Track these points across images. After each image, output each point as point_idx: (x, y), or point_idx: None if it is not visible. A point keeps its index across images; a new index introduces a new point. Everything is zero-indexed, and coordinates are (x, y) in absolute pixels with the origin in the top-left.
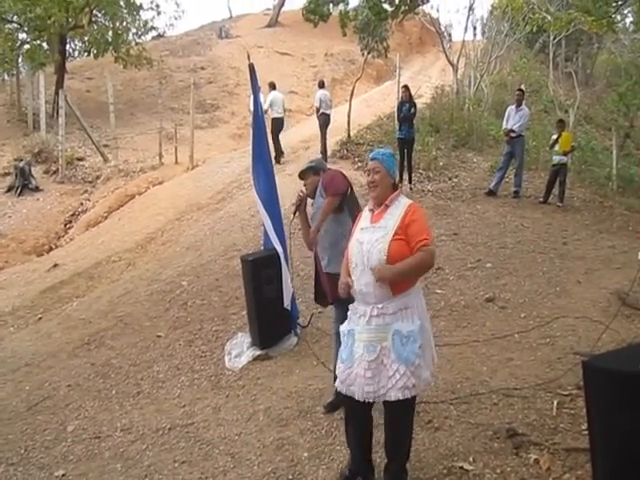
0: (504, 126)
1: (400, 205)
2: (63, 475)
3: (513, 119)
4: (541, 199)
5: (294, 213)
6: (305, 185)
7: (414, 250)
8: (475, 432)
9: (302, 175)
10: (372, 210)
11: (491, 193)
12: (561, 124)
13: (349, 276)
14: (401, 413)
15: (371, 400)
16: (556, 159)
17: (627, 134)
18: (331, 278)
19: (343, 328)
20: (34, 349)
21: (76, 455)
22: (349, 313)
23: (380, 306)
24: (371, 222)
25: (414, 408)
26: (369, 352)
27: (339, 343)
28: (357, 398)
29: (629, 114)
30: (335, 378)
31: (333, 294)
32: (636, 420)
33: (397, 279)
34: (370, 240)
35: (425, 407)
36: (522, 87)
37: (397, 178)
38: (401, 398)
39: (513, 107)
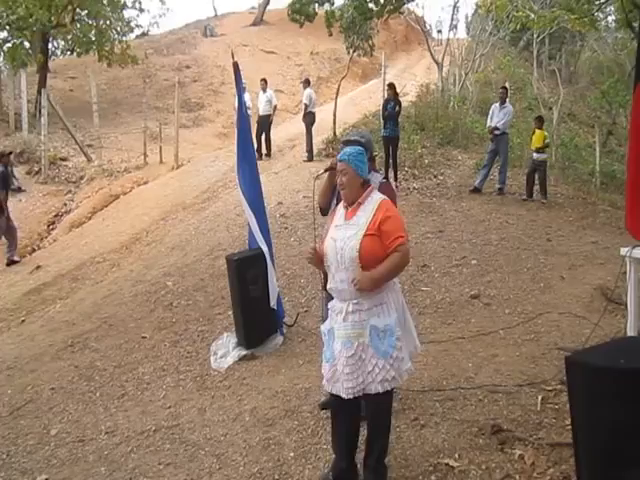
0: (488, 124)
1: (373, 201)
2: (46, 479)
3: (497, 117)
4: (524, 197)
5: (325, 171)
6: None
7: (389, 249)
8: (460, 429)
9: (348, 144)
10: (346, 207)
11: (476, 190)
12: (537, 121)
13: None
14: (380, 406)
15: (352, 396)
16: (534, 156)
17: (610, 131)
18: None
19: (323, 328)
20: (17, 352)
21: (59, 459)
22: (329, 312)
23: (355, 302)
24: (345, 219)
25: (391, 402)
26: (346, 348)
27: None
28: (342, 396)
29: (612, 111)
30: None
31: None
32: (619, 415)
33: (378, 285)
34: (343, 237)
35: (411, 404)
36: (506, 85)
37: (367, 175)
38: (381, 391)
39: (497, 105)
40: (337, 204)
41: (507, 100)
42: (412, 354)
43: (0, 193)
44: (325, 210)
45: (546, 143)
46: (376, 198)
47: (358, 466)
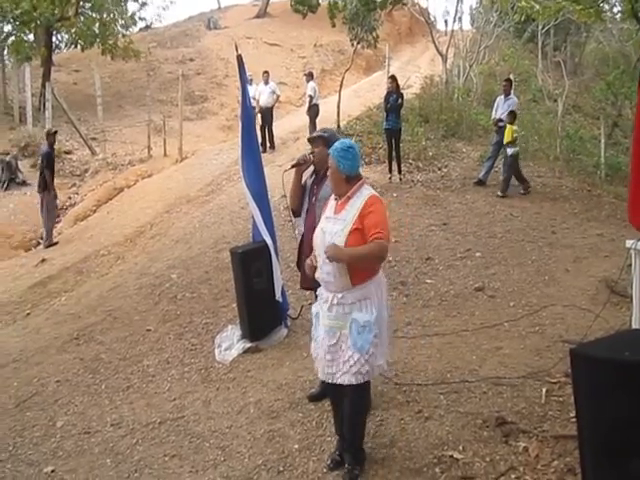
0: (493, 116)
1: (361, 196)
2: (52, 471)
3: (502, 108)
4: (522, 192)
5: (292, 167)
6: (313, 151)
7: (368, 241)
8: (465, 421)
9: (311, 141)
10: (336, 199)
11: (480, 183)
12: (509, 116)
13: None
14: (354, 396)
15: (329, 381)
16: (507, 151)
17: (615, 123)
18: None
19: (313, 309)
20: (22, 345)
21: (65, 451)
22: (318, 297)
23: (340, 295)
24: (334, 212)
25: (368, 393)
26: (329, 336)
27: None
28: (319, 377)
29: (617, 103)
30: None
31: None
32: (623, 407)
33: (345, 260)
34: (331, 231)
35: (415, 397)
36: (510, 77)
37: (353, 171)
38: (354, 383)
39: (502, 97)
40: (310, 202)
41: (512, 92)
42: (384, 353)
43: (45, 172)
44: (297, 212)
45: (514, 137)
46: (365, 193)
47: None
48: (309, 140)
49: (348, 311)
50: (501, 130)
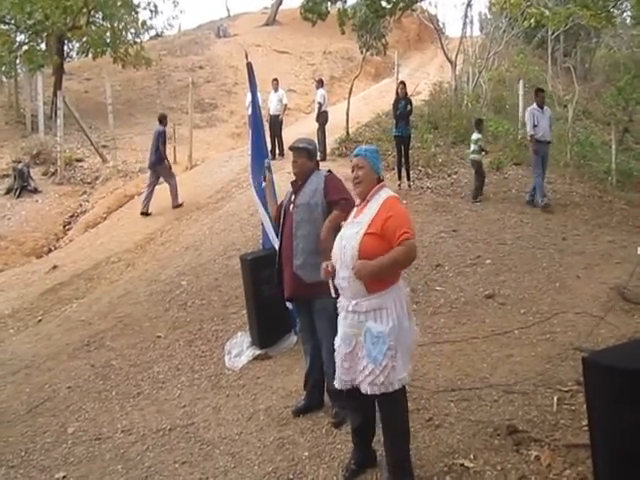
0: (530, 131)
1: (379, 198)
2: (64, 477)
3: (545, 121)
4: (473, 199)
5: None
6: (295, 162)
7: (395, 245)
8: (475, 429)
9: (295, 151)
10: (358, 205)
11: (547, 206)
12: (477, 123)
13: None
14: (385, 409)
15: (348, 387)
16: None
17: (626, 128)
18: (297, 279)
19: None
20: (34, 351)
21: (77, 457)
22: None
23: (354, 302)
24: (354, 217)
25: (401, 406)
26: (345, 344)
27: (308, 351)
28: (336, 385)
29: (628, 108)
30: (305, 383)
31: (291, 292)
32: (636, 416)
33: (377, 275)
34: (348, 236)
35: (425, 404)
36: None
37: (381, 173)
38: (369, 392)
39: (535, 107)
40: (287, 210)
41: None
42: (406, 365)
43: (161, 147)
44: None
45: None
46: (383, 195)
47: (378, 453)
48: (292, 149)
49: (363, 319)
50: (547, 145)
